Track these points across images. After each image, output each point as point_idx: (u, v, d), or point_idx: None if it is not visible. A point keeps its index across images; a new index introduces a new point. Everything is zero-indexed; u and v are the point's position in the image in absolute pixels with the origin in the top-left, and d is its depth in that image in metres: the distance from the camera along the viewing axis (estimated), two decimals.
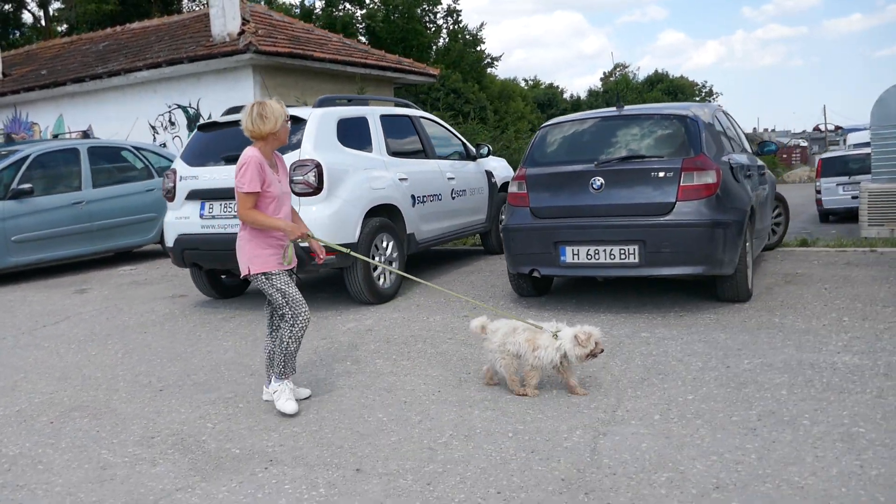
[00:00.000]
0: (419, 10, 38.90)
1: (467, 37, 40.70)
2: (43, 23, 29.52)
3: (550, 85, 66.27)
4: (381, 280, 6.93)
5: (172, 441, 3.94)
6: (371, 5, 38.11)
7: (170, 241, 6.98)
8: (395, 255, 7.09)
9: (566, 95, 69.31)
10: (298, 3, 38.05)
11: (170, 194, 7.01)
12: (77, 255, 10.22)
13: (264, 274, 4.18)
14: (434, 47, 41.40)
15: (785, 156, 69.31)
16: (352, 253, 4.57)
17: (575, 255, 5.81)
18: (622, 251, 5.63)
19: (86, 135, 13.79)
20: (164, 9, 28.44)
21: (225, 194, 6.60)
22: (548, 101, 60.70)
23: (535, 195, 6.05)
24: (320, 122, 6.60)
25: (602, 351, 4.14)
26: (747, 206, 5.87)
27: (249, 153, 4.12)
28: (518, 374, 4.32)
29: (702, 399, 4.01)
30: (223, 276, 7.60)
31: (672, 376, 4.40)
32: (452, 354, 5.18)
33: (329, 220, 6.38)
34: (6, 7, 29.82)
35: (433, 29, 42.16)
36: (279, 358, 4.22)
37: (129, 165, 11.08)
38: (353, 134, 6.94)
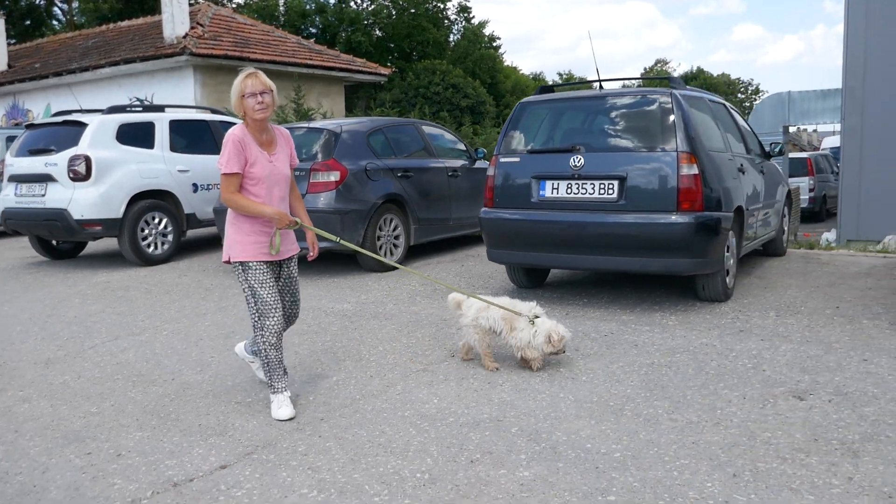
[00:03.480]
0: (426, 7, 40.71)
1: (470, 35, 42.37)
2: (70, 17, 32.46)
3: (582, 79, 67.19)
4: (153, 248, 9.08)
5: None
6: (380, 1, 40.11)
7: None
8: (169, 228, 9.22)
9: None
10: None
11: (1, 177, 9.33)
12: None
13: (241, 264, 3.80)
14: (451, 43, 43.23)
15: None
16: (340, 241, 4.37)
17: None
18: None
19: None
20: None
21: (27, 178, 8.90)
22: None
23: None
24: (98, 125, 8.78)
25: (564, 352, 4.39)
26: (376, 199, 7.76)
27: (231, 131, 3.77)
28: (491, 349, 4.53)
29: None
30: (55, 242, 9.88)
31: None
32: (119, 294, 7.31)
33: (98, 199, 8.56)
34: (39, 1, 33.09)
35: (447, 24, 43.94)
36: (265, 371, 3.93)
37: None
38: (134, 135, 9.08)
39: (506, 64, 54.82)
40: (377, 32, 39.65)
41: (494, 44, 47.16)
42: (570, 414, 3.79)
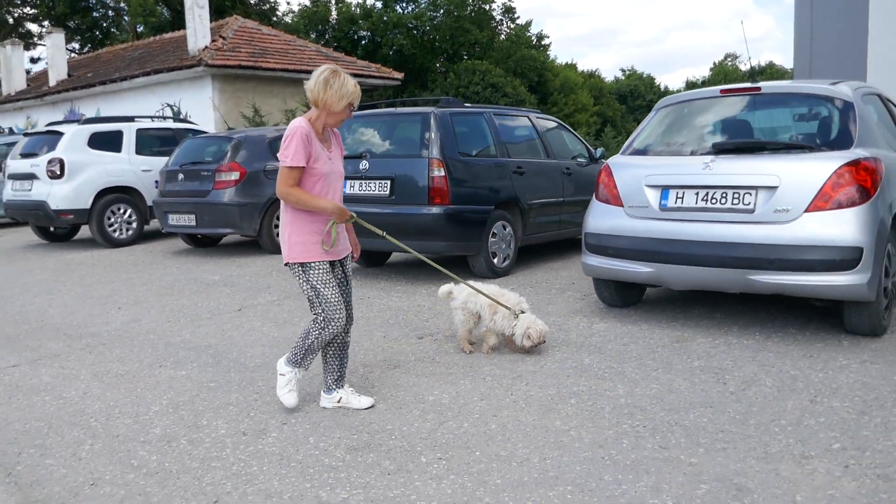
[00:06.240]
0: (468, 11, 42.27)
1: (513, 36, 43.83)
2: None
3: (640, 76, 67.32)
4: (118, 233, 11.16)
5: None
6: (422, 4, 41.97)
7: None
8: (133, 217, 11.30)
9: (665, 86, 69.83)
10: (359, 4, 42.53)
11: (2, 174, 11.63)
12: None
13: (301, 265, 3.72)
14: (494, 44, 44.75)
15: None
16: (385, 236, 4.30)
17: (174, 220, 9.79)
18: (186, 218, 9.55)
19: None
20: (217, 16, 33.85)
21: (20, 177, 11.15)
22: (629, 92, 62.16)
23: (164, 183, 10.09)
24: (73, 134, 10.94)
25: (544, 342, 4.65)
26: (272, 194, 9.53)
27: (296, 124, 3.63)
28: (472, 333, 4.93)
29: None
30: (52, 228, 12.12)
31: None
32: (72, 268, 9.33)
33: (70, 193, 10.72)
34: (110, 13, 36.46)
35: (493, 25, 45.46)
36: (298, 345, 3.83)
37: None
38: (104, 141, 11.20)
39: (558, 62, 55.73)
40: (426, 35, 41.55)
41: (543, 42, 48.47)
42: (251, 342, 5.48)
